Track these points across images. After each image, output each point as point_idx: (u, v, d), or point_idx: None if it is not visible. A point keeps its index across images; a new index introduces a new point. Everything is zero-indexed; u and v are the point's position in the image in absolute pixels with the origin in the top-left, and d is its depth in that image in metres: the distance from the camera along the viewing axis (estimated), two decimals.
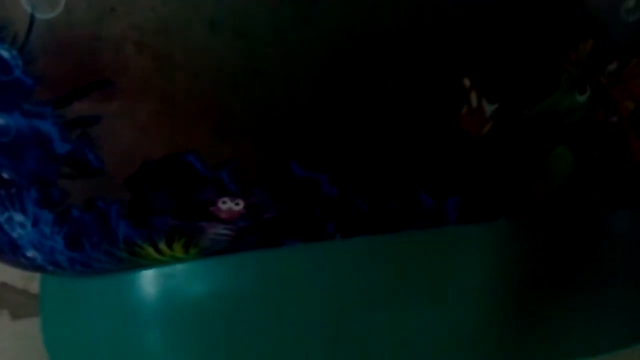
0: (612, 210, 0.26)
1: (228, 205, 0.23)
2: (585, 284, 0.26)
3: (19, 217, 0.24)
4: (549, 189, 0.24)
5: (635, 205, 0.26)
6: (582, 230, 0.27)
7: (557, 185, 0.24)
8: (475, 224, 0.25)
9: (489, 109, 0.22)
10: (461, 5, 0.21)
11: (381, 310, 0.25)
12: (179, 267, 0.26)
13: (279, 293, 0.26)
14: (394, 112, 0.22)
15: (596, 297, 0.27)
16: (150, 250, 0.25)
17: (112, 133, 0.22)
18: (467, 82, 0.22)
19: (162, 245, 0.25)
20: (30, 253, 0.26)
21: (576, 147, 0.24)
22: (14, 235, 0.25)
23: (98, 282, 0.28)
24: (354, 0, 0.21)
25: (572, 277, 0.26)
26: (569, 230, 0.26)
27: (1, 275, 0.38)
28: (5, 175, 0.23)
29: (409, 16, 0.21)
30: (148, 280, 0.27)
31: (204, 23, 0.21)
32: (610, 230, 0.27)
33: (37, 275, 0.32)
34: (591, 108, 0.23)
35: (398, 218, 0.24)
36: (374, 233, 0.25)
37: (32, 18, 0.20)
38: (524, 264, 0.26)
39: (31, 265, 0.27)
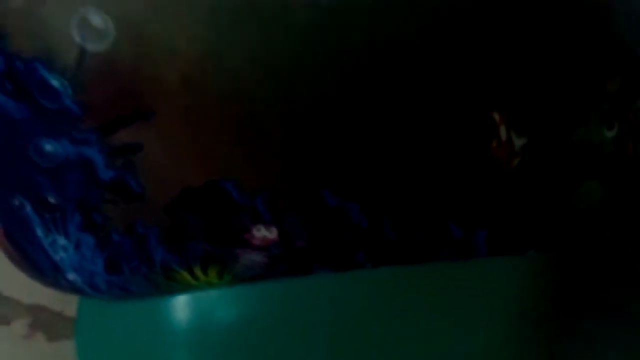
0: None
1: (262, 233, 0.24)
2: (611, 318, 0.27)
3: (62, 241, 0.25)
4: (577, 222, 0.25)
5: None
6: (610, 264, 0.27)
7: (586, 219, 0.25)
8: (503, 257, 0.25)
9: (518, 142, 0.23)
10: (492, 41, 0.22)
11: (408, 338, 0.26)
12: (212, 293, 0.27)
13: (308, 320, 0.26)
14: (424, 144, 0.23)
15: (622, 330, 0.27)
16: (186, 275, 0.26)
17: (153, 160, 0.23)
18: (496, 116, 0.23)
19: (198, 271, 0.25)
20: (71, 276, 0.26)
21: (605, 181, 0.24)
22: (57, 258, 0.26)
23: (133, 306, 0.28)
24: (387, 35, 0.22)
25: (598, 312, 0.26)
26: (597, 264, 0.26)
27: (37, 298, 0.39)
28: (51, 200, 0.24)
29: (443, 51, 0.22)
30: (182, 305, 0.28)
31: (243, 55, 0.22)
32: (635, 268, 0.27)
33: (73, 299, 0.33)
34: (620, 142, 0.24)
35: (427, 248, 0.25)
36: (403, 263, 0.25)
37: (82, 50, 0.21)
38: (550, 298, 0.26)
39: (71, 288, 0.27)
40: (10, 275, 0.29)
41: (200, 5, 0.21)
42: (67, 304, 0.39)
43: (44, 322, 0.39)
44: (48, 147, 0.23)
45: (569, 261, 0.26)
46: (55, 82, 0.22)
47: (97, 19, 0.21)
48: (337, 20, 0.21)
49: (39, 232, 0.25)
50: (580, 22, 0.22)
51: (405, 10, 0.22)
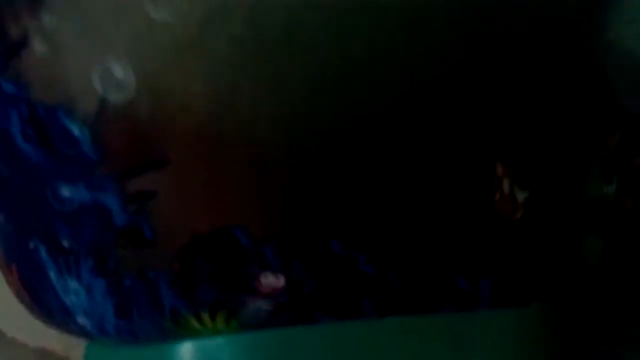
0: None
1: (270, 280, 0.25)
2: None
3: (74, 284, 0.26)
4: (580, 275, 0.25)
5: None
6: (611, 316, 0.27)
7: (588, 271, 0.25)
8: (506, 308, 0.25)
9: (520, 196, 0.23)
10: (496, 98, 0.23)
11: None
12: (218, 340, 0.27)
13: None
14: (430, 196, 0.23)
15: None
16: (194, 321, 0.26)
17: (166, 207, 0.24)
18: (500, 170, 0.23)
19: (206, 317, 0.26)
20: (81, 319, 0.27)
21: (605, 234, 0.25)
22: (68, 301, 0.26)
23: (140, 352, 0.29)
24: (393, 89, 0.22)
25: None
26: (599, 317, 0.27)
27: (43, 341, 0.39)
28: (65, 244, 0.25)
29: (449, 105, 0.23)
30: (188, 352, 0.28)
31: (254, 107, 0.23)
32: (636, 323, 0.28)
33: (79, 343, 0.33)
34: (619, 197, 0.24)
35: (432, 299, 0.25)
36: (408, 313, 0.26)
37: (103, 100, 0.22)
38: (553, 349, 0.26)
39: (80, 331, 0.28)
40: (17, 318, 0.30)
41: (214, 61, 0.22)
42: (73, 348, 0.39)
43: None
44: (65, 192, 0.24)
45: (571, 313, 0.26)
46: (75, 130, 0.23)
47: (119, 71, 0.22)
48: (343, 72, 0.22)
49: (52, 275, 0.26)
50: (580, 82, 0.23)
51: (411, 64, 0.23)
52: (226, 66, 0.22)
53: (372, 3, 0.22)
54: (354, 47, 0.22)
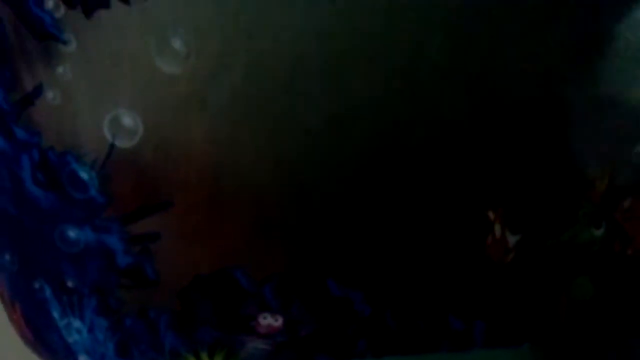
0: (633, 335, 0.27)
1: (268, 321, 0.25)
2: None
3: (77, 323, 0.26)
4: (570, 316, 0.26)
5: None
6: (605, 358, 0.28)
7: (580, 313, 0.26)
8: (500, 349, 0.26)
9: (512, 239, 0.24)
10: (488, 151, 0.24)
11: None
12: None
13: None
14: (424, 241, 0.24)
15: None
16: None
17: (168, 248, 0.25)
18: (491, 215, 0.24)
19: (205, 357, 0.26)
20: (82, 358, 0.27)
21: (595, 277, 0.25)
22: (70, 340, 0.27)
23: None
24: (385, 149, 0.24)
25: None
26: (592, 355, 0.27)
27: None
28: (70, 284, 0.26)
29: (443, 157, 0.24)
30: None
31: (254, 154, 0.24)
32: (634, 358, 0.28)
33: None
34: (608, 241, 0.25)
35: (427, 339, 0.26)
36: (403, 353, 0.26)
37: (111, 146, 0.23)
38: None
39: None
40: (19, 355, 0.30)
41: (215, 113, 0.23)
42: None
43: None
44: (72, 233, 0.25)
45: (565, 353, 0.27)
46: (84, 174, 0.24)
47: (127, 120, 0.23)
48: (340, 121, 0.23)
49: (56, 314, 0.26)
50: (569, 132, 0.24)
51: (406, 113, 0.24)
52: (226, 118, 0.23)
53: (367, 53, 0.23)
54: (350, 97, 0.23)
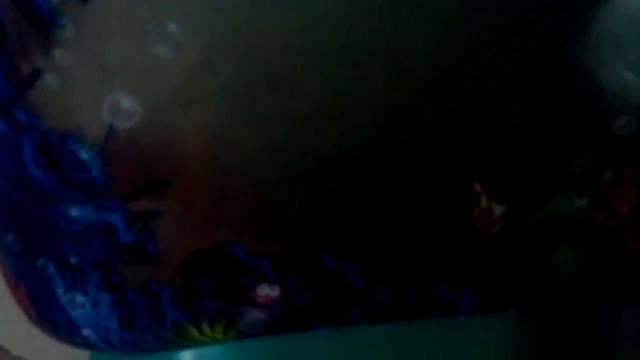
0: (617, 303, 0.29)
1: (265, 292, 0.27)
2: None
3: (80, 298, 0.27)
4: (555, 284, 0.27)
5: (637, 299, 0.29)
6: (590, 324, 0.29)
7: (563, 281, 0.27)
8: (488, 315, 0.27)
9: (497, 210, 0.26)
10: (472, 125, 0.25)
11: None
12: (218, 349, 0.29)
13: None
14: (413, 214, 0.25)
15: None
16: (194, 331, 0.28)
17: (168, 226, 0.26)
18: (477, 187, 0.25)
19: (205, 327, 0.28)
20: (86, 332, 0.28)
21: (579, 247, 0.27)
22: (74, 314, 0.28)
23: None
24: (375, 130, 0.24)
25: None
26: (578, 325, 0.29)
27: (48, 358, 0.41)
28: (73, 261, 0.27)
29: (428, 138, 0.25)
30: (188, 358, 0.30)
31: (253, 135, 0.24)
32: (619, 325, 0.30)
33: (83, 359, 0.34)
34: (590, 211, 0.26)
35: (417, 307, 0.27)
36: (395, 320, 0.27)
37: (110, 128, 0.24)
38: (532, 356, 0.28)
39: (84, 344, 0.29)
40: (22, 336, 0.31)
41: (210, 99, 0.24)
42: None
43: None
44: (74, 213, 0.26)
45: (552, 319, 0.28)
46: (84, 156, 0.25)
47: (126, 102, 0.24)
48: (329, 111, 0.24)
49: (59, 290, 0.28)
50: (551, 106, 0.25)
51: (393, 101, 0.25)
52: (221, 106, 0.24)
53: (355, 46, 0.24)
54: (338, 88, 0.24)
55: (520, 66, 0.25)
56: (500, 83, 0.25)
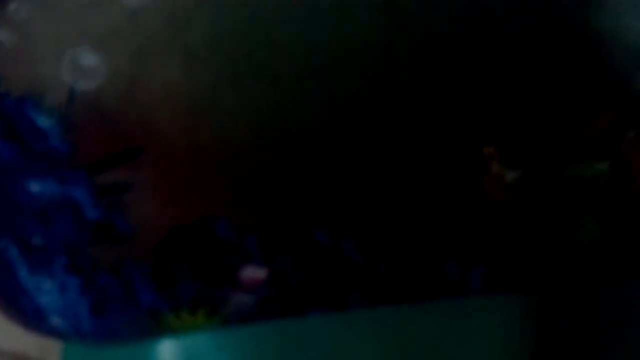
0: (636, 277, 0.27)
1: (251, 273, 0.25)
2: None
3: (47, 283, 0.26)
4: (574, 255, 0.26)
5: None
6: (604, 305, 0.28)
7: (582, 253, 0.26)
8: (497, 297, 0.26)
9: (510, 176, 0.24)
10: (480, 81, 0.23)
11: None
12: (201, 337, 0.28)
13: None
14: (417, 181, 0.24)
15: None
16: (173, 318, 0.26)
17: (142, 200, 0.24)
18: (487, 151, 0.24)
19: (185, 313, 0.26)
20: (55, 319, 0.27)
21: (599, 214, 0.25)
22: (41, 301, 0.27)
23: (119, 351, 0.29)
24: (373, 85, 0.23)
25: (593, 355, 0.27)
26: (592, 305, 0.27)
27: (18, 345, 0.40)
28: (36, 241, 0.25)
29: (431, 94, 0.23)
30: (169, 350, 0.28)
31: (233, 100, 0.23)
32: (633, 306, 0.28)
33: (55, 347, 0.33)
34: (612, 175, 0.25)
35: (423, 287, 0.26)
36: (397, 302, 0.26)
37: (71, 89, 0.23)
38: (544, 339, 0.27)
39: (55, 332, 0.28)
40: None
41: (191, 56, 0.23)
42: (48, 352, 0.39)
43: None
44: (35, 187, 0.24)
45: (563, 300, 0.27)
46: (43, 122, 0.23)
47: (88, 58, 0.22)
48: (322, 63, 0.23)
49: (24, 274, 0.26)
50: (570, 60, 0.24)
51: (392, 47, 0.23)
52: (204, 63, 0.23)
53: None
54: (322, 42, 0.23)
55: (536, 15, 0.23)
56: (510, 32, 0.23)
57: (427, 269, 0.25)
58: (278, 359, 0.27)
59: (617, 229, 0.26)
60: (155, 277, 0.25)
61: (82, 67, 0.22)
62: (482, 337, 0.27)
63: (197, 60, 0.23)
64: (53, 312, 0.27)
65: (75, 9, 0.23)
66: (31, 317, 0.28)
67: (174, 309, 0.26)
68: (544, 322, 0.27)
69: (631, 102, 0.24)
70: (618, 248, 0.26)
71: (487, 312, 0.27)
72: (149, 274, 0.25)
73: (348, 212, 0.24)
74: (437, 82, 0.23)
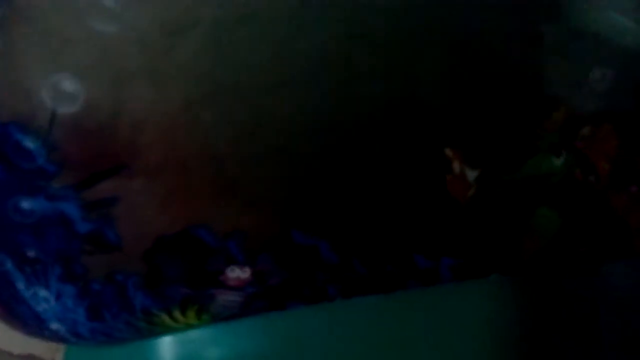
0: (602, 262, 0.29)
1: (236, 273, 0.26)
2: (579, 340, 0.29)
3: (43, 292, 0.27)
4: (537, 247, 0.27)
5: (622, 256, 0.29)
6: (576, 287, 0.29)
7: (545, 243, 0.27)
8: (469, 282, 0.27)
9: (471, 175, 0.25)
10: (439, 89, 0.24)
11: None
12: (194, 333, 0.29)
13: (286, 353, 0.28)
14: (385, 182, 0.25)
15: (589, 352, 0.29)
16: (166, 318, 0.27)
17: (128, 212, 0.25)
18: (449, 152, 0.25)
19: (177, 313, 0.27)
20: (54, 325, 0.28)
21: (560, 206, 0.26)
22: (39, 309, 0.28)
23: (119, 350, 0.30)
24: (342, 92, 0.24)
25: (565, 334, 0.28)
26: (563, 288, 0.29)
27: (28, 347, 0.41)
28: (31, 254, 0.26)
29: (395, 105, 0.24)
30: (166, 347, 0.30)
31: (213, 117, 0.24)
32: (604, 289, 0.29)
33: (63, 347, 0.34)
34: (569, 169, 0.26)
35: (395, 279, 0.27)
36: (372, 293, 0.27)
37: (53, 113, 0.24)
38: (518, 320, 0.28)
39: (55, 337, 0.29)
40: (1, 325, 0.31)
41: (168, 79, 0.23)
42: (57, 352, 0.40)
43: None
44: (25, 204, 0.25)
45: (535, 289, 0.28)
46: (29, 144, 0.24)
47: (67, 84, 0.23)
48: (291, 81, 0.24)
49: (21, 285, 0.27)
50: (522, 62, 0.25)
51: (357, 59, 0.24)
52: (178, 87, 0.24)
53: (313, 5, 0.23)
54: (297, 54, 0.24)
55: (489, 12, 0.24)
56: (470, 32, 0.24)
57: (397, 262, 0.26)
58: (265, 350, 0.28)
59: (579, 219, 0.27)
60: (147, 282, 0.26)
61: (63, 92, 0.23)
62: (457, 320, 0.28)
63: (171, 87, 0.24)
64: (51, 319, 0.28)
65: (53, 36, 0.23)
66: (31, 324, 0.29)
67: (165, 310, 0.27)
68: (523, 307, 0.28)
69: (583, 99, 0.25)
70: (580, 235, 0.27)
71: (460, 296, 0.28)
72: (140, 279, 0.26)
73: (322, 213, 0.25)
74: (404, 92, 0.24)
